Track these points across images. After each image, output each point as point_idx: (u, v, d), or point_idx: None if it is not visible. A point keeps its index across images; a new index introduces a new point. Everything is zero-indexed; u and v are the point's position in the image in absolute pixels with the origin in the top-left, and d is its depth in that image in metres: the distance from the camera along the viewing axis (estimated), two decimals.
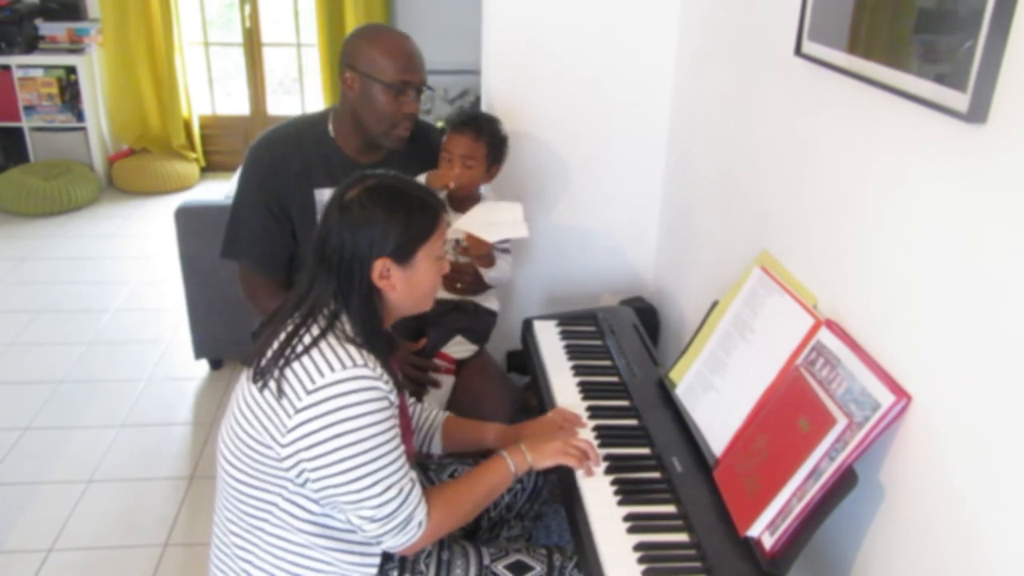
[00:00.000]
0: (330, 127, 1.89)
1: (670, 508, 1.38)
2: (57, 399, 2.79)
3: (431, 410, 1.67)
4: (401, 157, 1.93)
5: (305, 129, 1.90)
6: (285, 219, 1.88)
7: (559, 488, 1.53)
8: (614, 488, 1.42)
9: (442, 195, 2.04)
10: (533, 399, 1.88)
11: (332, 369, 1.22)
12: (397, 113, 1.79)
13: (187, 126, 5.01)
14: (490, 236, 1.84)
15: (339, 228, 1.29)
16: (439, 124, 2.29)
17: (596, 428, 1.59)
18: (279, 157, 1.86)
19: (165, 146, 4.97)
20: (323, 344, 1.25)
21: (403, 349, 1.93)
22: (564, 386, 1.73)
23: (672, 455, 1.49)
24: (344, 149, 1.89)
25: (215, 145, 5.19)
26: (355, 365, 1.23)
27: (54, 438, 2.58)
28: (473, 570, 1.42)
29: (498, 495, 1.46)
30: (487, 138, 1.96)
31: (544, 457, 1.45)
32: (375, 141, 1.85)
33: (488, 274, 2.00)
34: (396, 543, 1.30)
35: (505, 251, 2.06)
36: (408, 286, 1.34)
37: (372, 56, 1.77)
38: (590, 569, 1.28)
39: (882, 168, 1.25)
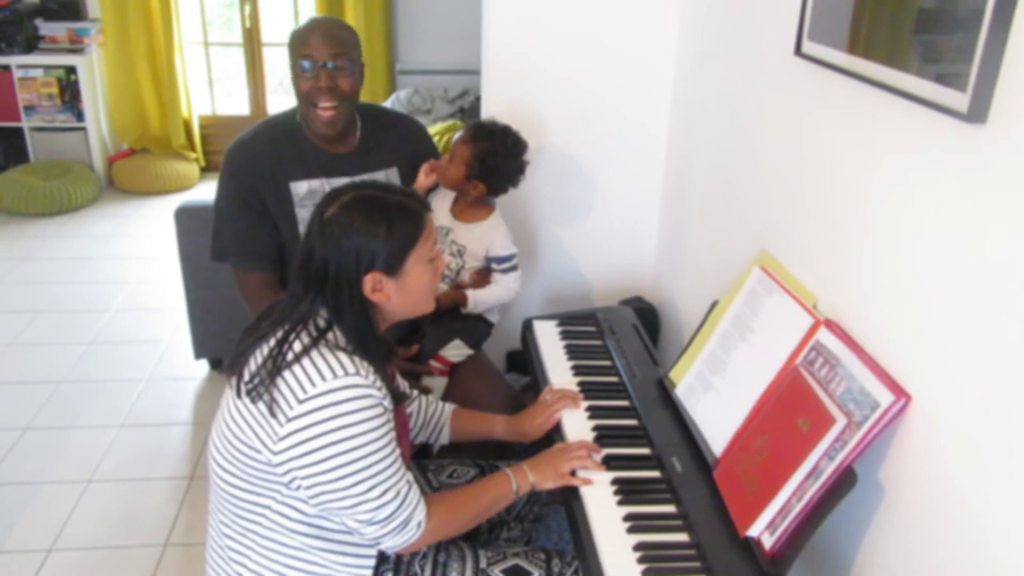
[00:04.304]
0: (299, 118, 1.92)
1: (670, 508, 1.38)
2: (57, 399, 2.79)
3: (437, 403, 1.68)
4: (373, 147, 1.95)
5: (276, 126, 1.93)
6: (266, 214, 1.90)
7: (559, 488, 1.53)
8: (614, 488, 1.42)
9: (446, 204, 2.05)
10: (532, 400, 1.88)
11: (324, 378, 1.22)
12: (310, 91, 1.80)
13: (187, 126, 5.01)
14: None
15: (322, 248, 1.28)
16: (453, 124, 2.26)
17: (596, 428, 1.59)
18: (251, 155, 1.89)
19: (165, 146, 4.97)
20: (314, 353, 1.24)
21: (395, 356, 1.93)
22: (564, 386, 1.73)
23: (672, 455, 1.49)
24: (313, 140, 1.91)
25: (215, 145, 5.19)
26: (347, 373, 1.23)
27: (54, 438, 2.58)
28: (469, 573, 1.42)
29: (498, 510, 1.47)
30: (481, 144, 1.95)
31: (546, 479, 1.46)
32: (310, 127, 1.86)
33: (476, 300, 2.01)
34: (395, 543, 1.31)
35: (509, 269, 2.05)
36: (403, 294, 1.34)
37: (291, 37, 1.83)
38: (590, 569, 1.28)
39: (882, 168, 1.25)
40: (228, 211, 1.91)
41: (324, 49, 1.79)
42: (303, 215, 1.90)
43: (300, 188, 1.89)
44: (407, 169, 2.02)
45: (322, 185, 1.90)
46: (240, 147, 1.91)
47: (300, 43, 1.80)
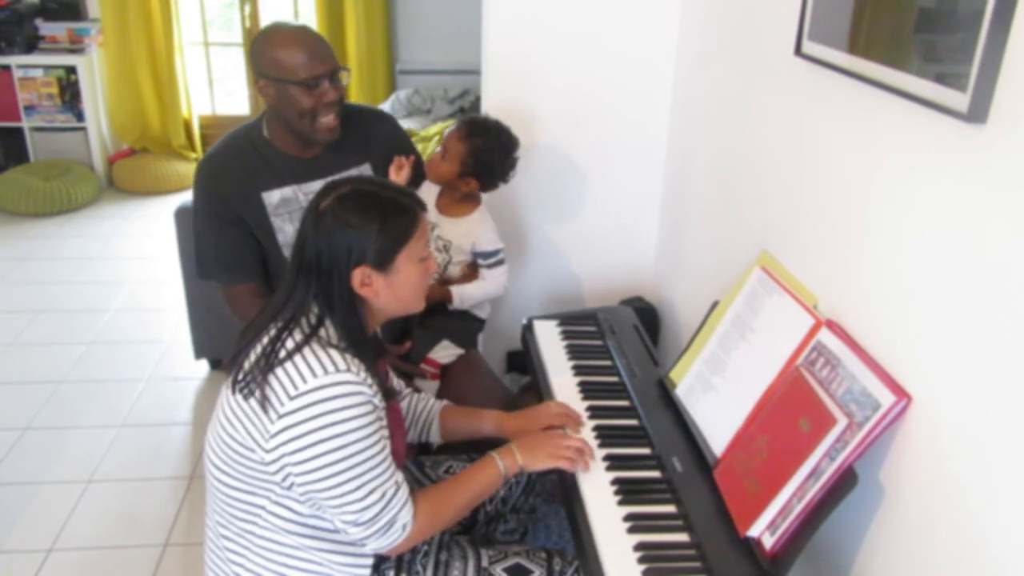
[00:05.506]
0: (265, 131, 1.90)
1: (670, 508, 1.38)
2: (57, 399, 2.79)
3: (428, 399, 1.67)
4: (342, 146, 1.93)
5: (241, 137, 1.91)
6: (242, 226, 1.88)
7: (559, 488, 1.53)
8: (614, 488, 1.42)
9: (432, 196, 2.04)
10: (532, 400, 1.88)
11: (315, 375, 1.22)
12: (317, 106, 1.78)
13: (187, 126, 5.01)
14: None
15: (315, 239, 1.29)
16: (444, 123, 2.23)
17: (596, 428, 1.59)
18: (220, 168, 1.88)
19: (165, 146, 4.97)
20: (306, 350, 1.25)
21: (387, 354, 1.93)
22: (564, 386, 1.73)
23: (672, 455, 1.49)
24: (283, 148, 1.89)
25: None
26: (338, 370, 1.23)
27: (54, 438, 2.58)
28: (471, 572, 1.42)
29: (487, 497, 1.46)
30: (475, 141, 1.95)
31: (536, 461, 1.45)
32: (306, 137, 1.85)
33: (462, 295, 2.00)
34: (379, 545, 1.30)
35: (496, 264, 2.04)
36: (391, 291, 1.33)
37: (276, 58, 1.76)
38: (590, 569, 1.28)
39: (882, 168, 1.25)
40: (205, 228, 1.90)
41: (325, 65, 1.77)
42: (278, 224, 1.89)
43: (272, 197, 1.88)
44: (380, 163, 2.00)
45: (295, 192, 1.88)
46: (209, 162, 1.89)
47: (293, 67, 1.74)
